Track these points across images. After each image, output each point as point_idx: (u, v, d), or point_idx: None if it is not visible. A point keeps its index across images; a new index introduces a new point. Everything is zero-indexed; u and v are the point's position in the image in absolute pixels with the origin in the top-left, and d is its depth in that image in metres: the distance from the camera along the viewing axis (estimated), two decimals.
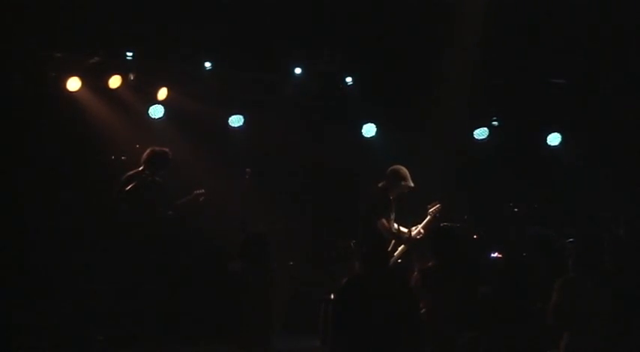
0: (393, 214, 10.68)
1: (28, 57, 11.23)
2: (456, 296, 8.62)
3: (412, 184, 10.59)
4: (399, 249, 10.59)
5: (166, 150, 10.75)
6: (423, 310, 8.57)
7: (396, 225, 10.64)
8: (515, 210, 12.84)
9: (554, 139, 13.36)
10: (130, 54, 11.90)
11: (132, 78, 12.03)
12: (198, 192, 10.91)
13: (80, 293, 10.80)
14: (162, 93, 12.28)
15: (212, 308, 11.05)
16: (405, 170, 10.62)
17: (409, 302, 8.24)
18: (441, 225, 10.58)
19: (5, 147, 11.26)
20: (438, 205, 10.70)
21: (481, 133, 13.42)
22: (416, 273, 8.97)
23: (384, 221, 10.45)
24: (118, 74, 11.84)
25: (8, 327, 10.05)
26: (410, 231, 10.69)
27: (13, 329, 10.07)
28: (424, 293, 8.59)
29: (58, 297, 10.73)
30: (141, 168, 10.58)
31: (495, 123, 13.48)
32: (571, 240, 11.17)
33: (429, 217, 10.70)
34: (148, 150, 10.69)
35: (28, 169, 11.41)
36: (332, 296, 10.44)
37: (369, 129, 13.25)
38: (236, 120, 12.91)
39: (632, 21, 11.61)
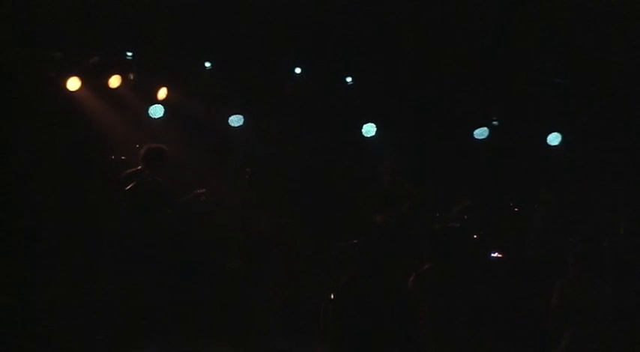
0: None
1: (28, 57, 11.23)
2: (455, 297, 8.62)
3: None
4: None
5: (162, 146, 10.75)
6: (421, 312, 8.57)
7: None
8: (516, 209, 12.85)
9: (554, 139, 13.37)
10: (130, 54, 11.91)
11: (132, 78, 12.04)
12: (199, 191, 10.90)
13: (80, 293, 10.80)
14: (162, 93, 12.28)
15: (211, 308, 11.07)
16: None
17: (407, 303, 8.24)
18: (440, 225, 10.58)
19: (4, 147, 11.26)
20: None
21: (481, 133, 13.42)
22: (413, 276, 8.96)
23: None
24: (118, 74, 11.84)
25: (9, 328, 10.07)
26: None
27: (14, 330, 10.09)
28: (421, 296, 8.59)
29: (57, 297, 10.73)
30: (140, 167, 10.58)
31: (495, 123, 13.48)
32: (571, 240, 11.19)
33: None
34: (144, 148, 10.69)
35: (28, 169, 11.42)
36: (331, 296, 10.45)
37: (369, 129, 13.25)
38: (236, 120, 12.92)
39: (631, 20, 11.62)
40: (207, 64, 12.44)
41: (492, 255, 11.96)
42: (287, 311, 11.96)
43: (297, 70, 12.81)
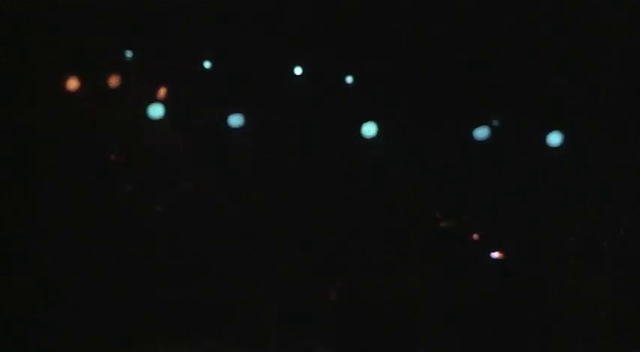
0: None
1: (27, 57, 11.24)
2: (455, 297, 8.64)
3: None
4: None
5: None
6: (421, 311, 8.59)
7: None
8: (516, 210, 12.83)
9: (554, 139, 13.34)
10: (130, 54, 11.92)
11: (131, 78, 12.04)
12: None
13: (79, 293, 10.80)
14: (162, 93, 12.28)
15: (210, 307, 11.06)
16: None
17: (407, 303, 8.26)
18: (440, 225, 10.58)
19: (4, 148, 11.26)
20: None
21: (481, 133, 13.40)
22: (414, 275, 8.99)
23: None
24: (118, 74, 11.85)
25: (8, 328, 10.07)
26: None
27: (13, 330, 10.09)
28: (422, 295, 8.60)
29: (56, 297, 10.73)
30: (132, 167, 10.62)
31: (495, 123, 13.46)
32: (572, 240, 11.17)
33: None
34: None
35: (27, 169, 11.41)
36: (332, 296, 10.45)
37: (369, 129, 13.24)
38: (236, 120, 12.91)
39: (631, 20, 11.62)
40: (207, 64, 12.45)
41: (492, 254, 11.95)
42: (287, 310, 11.96)
43: (298, 70, 12.81)
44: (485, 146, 13.39)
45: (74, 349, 10.07)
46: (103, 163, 11.86)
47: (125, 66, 11.98)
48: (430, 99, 12.88)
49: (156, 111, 12.27)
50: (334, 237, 12.37)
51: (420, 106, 12.96)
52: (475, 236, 12.09)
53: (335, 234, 12.41)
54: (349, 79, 13.01)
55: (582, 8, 11.56)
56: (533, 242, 12.17)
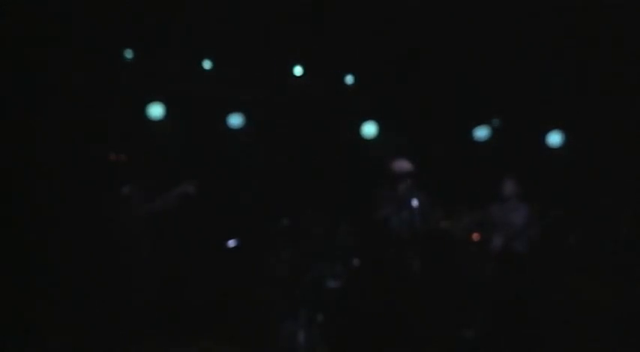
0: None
1: (27, 56, 11.27)
2: (455, 296, 8.65)
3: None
4: None
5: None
6: (422, 310, 8.60)
7: None
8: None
9: (554, 139, 13.34)
10: (129, 54, 11.95)
11: (132, 78, 12.08)
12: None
13: (78, 292, 10.82)
14: (163, 93, 12.33)
15: (209, 307, 11.10)
16: None
17: (407, 300, 8.27)
18: (439, 226, 10.59)
19: (4, 147, 11.29)
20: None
21: (481, 133, 13.41)
22: (414, 274, 8.98)
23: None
24: (118, 74, 11.89)
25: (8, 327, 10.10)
26: None
27: (13, 330, 10.12)
28: (421, 293, 8.62)
29: (57, 297, 10.75)
30: (132, 167, 10.66)
31: (495, 123, 13.47)
32: (572, 240, 11.17)
33: None
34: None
35: (27, 169, 11.44)
36: (331, 296, 10.47)
37: (369, 129, 13.26)
38: (236, 120, 12.94)
39: (631, 20, 11.62)
40: (207, 64, 12.47)
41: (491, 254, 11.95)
42: (286, 310, 11.98)
43: (298, 70, 12.84)
44: (486, 146, 13.43)
45: (73, 349, 10.09)
46: (103, 163, 11.90)
47: (125, 66, 12.02)
48: (430, 99, 12.91)
49: (156, 111, 12.32)
50: (334, 237, 12.37)
51: (419, 106, 13.00)
52: (475, 236, 12.09)
53: (335, 233, 12.42)
54: (349, 79, 13.04)
55: (582, 8, 11.56)
56: (533, 241, 12.18)
